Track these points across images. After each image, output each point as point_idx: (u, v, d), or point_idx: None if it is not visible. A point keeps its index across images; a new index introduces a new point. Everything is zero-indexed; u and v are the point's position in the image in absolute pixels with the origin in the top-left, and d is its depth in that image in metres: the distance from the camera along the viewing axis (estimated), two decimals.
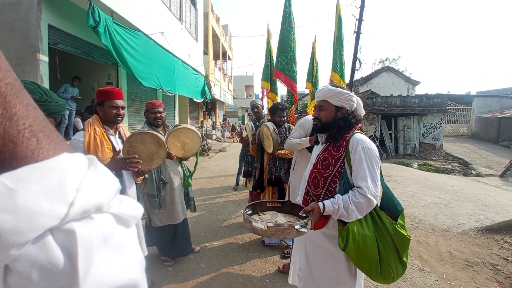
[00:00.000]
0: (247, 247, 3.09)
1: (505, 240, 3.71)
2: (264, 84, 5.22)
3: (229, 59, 24.53)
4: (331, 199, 1.37)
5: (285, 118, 2.98)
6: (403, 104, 13.63)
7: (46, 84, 5.00)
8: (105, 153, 1.74)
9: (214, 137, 15.01)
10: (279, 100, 5.22)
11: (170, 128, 2.50)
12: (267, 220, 1.34)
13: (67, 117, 5.94)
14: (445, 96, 16.09)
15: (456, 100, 19.96)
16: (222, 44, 19.51)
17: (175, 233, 2.69)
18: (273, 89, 4.90)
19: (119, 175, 1.88)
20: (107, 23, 5.05)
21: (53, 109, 1.04)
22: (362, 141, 1.39)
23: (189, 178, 2.72)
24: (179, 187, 2.62)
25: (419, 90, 20.18)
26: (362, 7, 9.24)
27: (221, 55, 20.23)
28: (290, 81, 4.17)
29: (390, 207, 1.47)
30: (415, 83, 19.49)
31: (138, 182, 2.08)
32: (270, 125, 2.68)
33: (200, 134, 2.49)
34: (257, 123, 3.68)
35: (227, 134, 17.60)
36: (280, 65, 4.22)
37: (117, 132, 1.95)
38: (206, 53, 15.20)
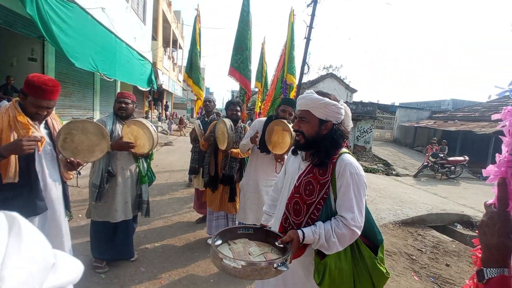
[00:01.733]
0: (191, 247, 3.01)
1: (418, 233, 4.42)
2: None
3: (180, 48, 23.29)
4: (312, 227, 1.22)
5: (239, 113, 2.97)
6: None
7: None
8: (19, 132, 1.49)
9: (160, 129, 14.13)
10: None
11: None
12: (238, 252, 1.17)
13: None
14: (376, 105, 18.31)
15: (383, 109, 22.90)
16: (173, 31, 18.37)
17: (114, 233, 2.47)
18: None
19: (39, 172, 1.61)
20: None
21: None
22: (350, 165, 1.23)
23: (145, 177, 2.51)
24: (126, 184, 2.40)
25: (355, 97, 22.50)
26: (313, 15, 9.79)
27: (171, 42, 19.06)
28: (245, 80, 4.20)
29: (369, 235, 1.34)
30: (353, 90, 21.57)
31: (68, 179, 1.82)
32: (228, 121, 2.65)
33: (154, 134, 2.33)
34: (206, 119, 3.60)
35: (174, 127, 16.76)
36: (235, 63, 4.21)
37: (43, 122, 1.67)
38: (155, 38, 14.14)
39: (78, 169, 1.79)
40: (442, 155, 10.69)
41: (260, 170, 2.55)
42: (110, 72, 7.51)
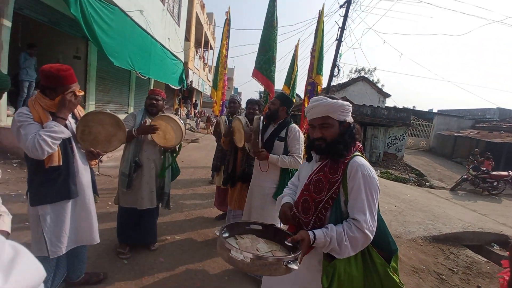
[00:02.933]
0: (209, 243, 3.06)
1: (450, 251, 4.07)
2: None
3: (211, 48, 23.94)
4: (323, 229, 1.17)
5: (256, 112, 2.95)
6: (374, 114, 14.37)
7: (5, 51, 4.51)
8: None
9: (187, 126, 14.62)
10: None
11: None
12: (246, 247, 1.12)
13: (25, 89, 5.39)
14: (410, 111, 17.28)
15: (419, 115, 21.52)
16: (205, 32, 18.96)
17: (140, 219, 2.60)
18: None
19: (72, 158, 1.73)
20: None
21: None
22: (363, 166, 1.20)
23: (168, 168, 2.64)
24: (151, 174, 2.54)
25: (388, 103, 21.42)
26: (345, 16, 9.52)
27: (203, 43, 19.68)
28: (267, 80, 4.18)
29: (382, 245, 1.27)
30: (386, 95, 20.60)
31: (93, 166, 1.95)
32: (243, 118, 2.67)
33: (183, 126, 2.44)
34: (230, 118, 3.64)
35: (201, 124, 17.24)
36: (258, 65, 4.22)
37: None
38: (187, 39, 14.69)
39: (98, 158, 1.90)
40: (484, 168, 9.79)
41: (255, 170, 2.53)
42: (145, 70, 7.94)
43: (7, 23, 4.46)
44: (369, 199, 1.17)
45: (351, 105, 1.30)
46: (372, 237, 1.16)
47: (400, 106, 19.11)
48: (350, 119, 1.29)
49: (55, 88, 1.58)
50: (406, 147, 16.61)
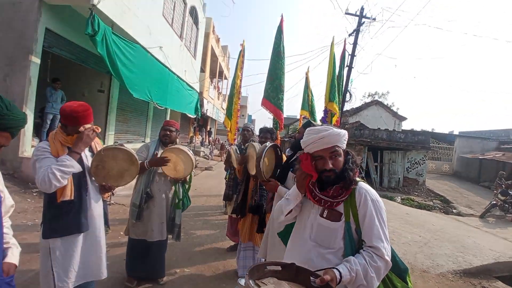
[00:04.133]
0: (220, 277, 2.93)
1: (482, 285, 3.68)
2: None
3: (225, 78, 24.99)
4: (345, 264, 1.12)
5: (269, 140, 2.85)
6: (390, 138, 14.04)
7: (33, 86, 4.91)
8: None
9: (202, 154, 14.85)
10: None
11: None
12: None
13: (49, 121, 5.74)
14: (429, 134, 16.76)
15: (439, 138, 20.77)
16: (220, 63, 19.95)
17: (148, 251, 2.55)
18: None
19: (85, 191, 1.77)
20: (106, 33, 5.08)
21: (10, 124, 0.99)
22: (370, 192, 1.22)
23: (180, 201, 2.62)
24: (162, 205, 2.54)
25: (405, 126, 20.94)
26: (355, 43, 9.76)
27: (217, 74, 20.61)
28: (275, 108, 4.25)
29: (392, 266, 1.24)
30: (402, 118, 20.24)
31: (105, 198, 1.97)
32: (257, 145, 2.64)
33: (193, 158, 2.46)
34: (242, 147, 3.65)
35: (215, 152, 17.47)
36: (266, 93, 4.33)
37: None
38: (203, 70, 15.45)
39: (111, 191, 1.92)
40: None
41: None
42: (162, 101, 8.33)
43: (36, 60, 4.90)
44: (381, 224, 1.17)
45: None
46: (391, 263, 1.15)
47: (418, 129, 18.63)
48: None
49: (72, 126, 1.66)
50: (428, 171, 15.86)
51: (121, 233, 3.61)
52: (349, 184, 1.22)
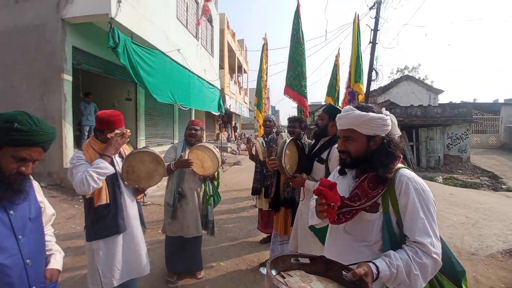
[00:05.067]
0: (255, 270, 2.97)
1: None
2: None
3: (245, 72, 24.96)
4: (385, 258, 0.99)
5: (297, 129, 2.72)
6: (425, 114, 13.07)
7: (69, 102, 5.31)
8: None
9: (229, 149, 15.10)
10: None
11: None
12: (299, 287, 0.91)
13: (86, 133, 6.20)
14: (471, 105, 15.30)
15: (483, 108, 18.89)
16: (237, 58, 19.92)
17: (185, 247, 2.68)
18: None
19: (119, 194, 1.88)
20: (126, 43, 5.31)
21: (41, 139, 1.05)
22: (413, 180, 1.07)
23: (211, 198, 2.71)
24: (194, 203, 2.63)
25: (442, 99, 19.32)
26: (377, 17, 9.11)
27: (236, 68, 20.63)
28: (299, 96, 4.13)
29: (446, 267, 1.10)
30: (437, 91, 18.71)
31: (138, 199, 2.09)
32: (285, 135, 2.60)
33: (218, 154, 2.53)
34: (266, 139, 3.62)
35: (242, 146, 17.66)
36: (288, 81, 4.22)
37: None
38: (221, 67, 15.56)
39: (143, 193, 2.03)
40: None
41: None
42: (186, 102, 8.56)
43: (68, 77, 5.28)
44: (428, 217, 1.02)
45: (388, 118, 1.13)
46: (441, 262, 1.00)
47: (458, 101, 17.11)
48: (386, 132, 1.13)
49: (108, 130, 1.78)
50: (472, 146, 14.55)
51: (159, 231, 3.82)
52: (380, 180, 1.07)
